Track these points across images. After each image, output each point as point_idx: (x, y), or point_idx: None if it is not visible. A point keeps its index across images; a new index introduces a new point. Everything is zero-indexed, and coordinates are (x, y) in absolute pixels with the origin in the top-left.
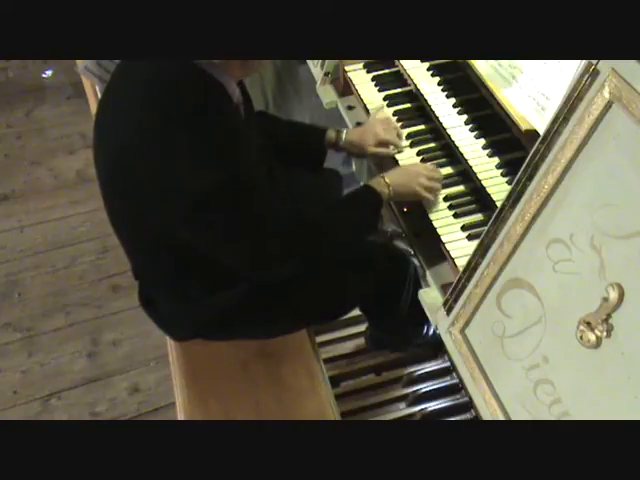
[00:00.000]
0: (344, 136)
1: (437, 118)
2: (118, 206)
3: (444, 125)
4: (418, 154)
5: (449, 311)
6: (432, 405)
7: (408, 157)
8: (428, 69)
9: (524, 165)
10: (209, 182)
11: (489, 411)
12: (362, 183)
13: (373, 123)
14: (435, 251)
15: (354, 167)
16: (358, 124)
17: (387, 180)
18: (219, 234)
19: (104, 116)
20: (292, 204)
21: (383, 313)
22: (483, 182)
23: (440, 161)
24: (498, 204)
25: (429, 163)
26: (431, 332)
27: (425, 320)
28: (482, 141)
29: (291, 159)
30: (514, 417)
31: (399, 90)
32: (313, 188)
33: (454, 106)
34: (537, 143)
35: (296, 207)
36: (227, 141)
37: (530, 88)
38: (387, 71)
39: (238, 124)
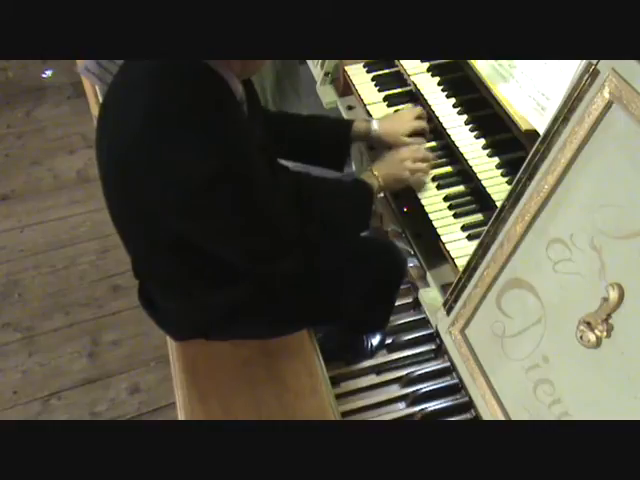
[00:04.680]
0: (374, 125)
1: (437, 118)
2: (120, 204)
3: (444, 125)
4: None
5: (449, 311)
6: (432, 405)
7: None
8: (428, 69)
9: (524, 165)
10: (206, 172)
11: (489, 411)
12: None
13: (402, 112)
14: (435, 251)
15: (354, 167)
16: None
17: (375, 172)
18: (218, 226)
19: (107, 114)
20: (294, 203)
21: (372, 314)
22: (483, 182)
23: (440, 161)
24: (498, 204)
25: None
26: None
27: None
28: (482, 141)
29: (313, 158)
30: (514, 417)
31: (399, 90)
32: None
33: (454, 106)
34: (537, 143)
35: (296, 205)
36: (227, 134)
37: (530, 88)
38: (387, 71)
39: (240, 120)
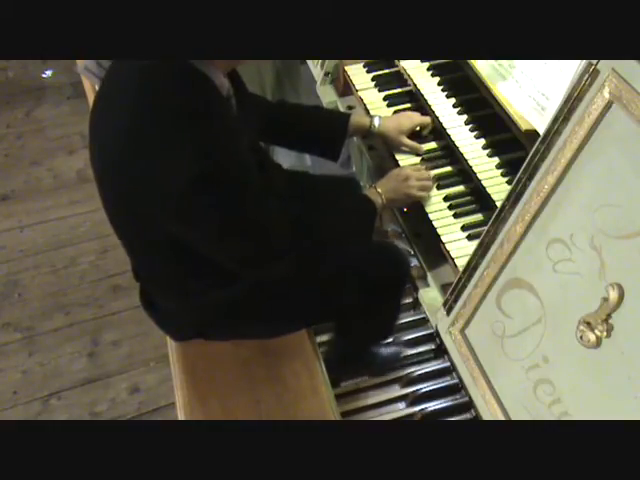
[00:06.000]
0: (377, 121)
1: (437, 118)
2: (116, 205)
3: (444, 125)
4: (417, 154)
5: (449, 311)
6: (432, 405)
7: (407, 157)
8: (428, 69)
9: (524, 165)
10: (197, 172)
11: (489, 411)
12: (362, 183)
13: (408, 112)
14: (435, 251)
15: (354, 167)
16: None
17: (379, 190)
18: (210, 229)
19: (98, 115)
20: (289, 203)
21: (372, 318)
22: (483, 182)
23: (440, 161)
24: (498, 204)
25: (424, 166)
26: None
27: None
28: (482, 141)
29: (309, 147)
30: (514, 417)
31: (399, 90)
32: (330, 194)
33: (454, 106)
34: (537, 143)
35: (292, 208)
36: (216, 134)
37: (530, 88)
38: (387, 71)
39: (227, 117)
